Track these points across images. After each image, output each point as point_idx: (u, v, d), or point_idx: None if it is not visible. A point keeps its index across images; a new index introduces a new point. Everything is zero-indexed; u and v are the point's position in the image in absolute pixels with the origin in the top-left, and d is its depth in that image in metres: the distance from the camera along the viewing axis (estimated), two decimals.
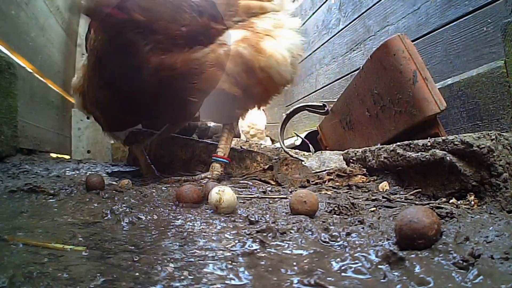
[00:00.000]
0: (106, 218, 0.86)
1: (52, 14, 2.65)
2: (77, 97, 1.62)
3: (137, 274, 0.52)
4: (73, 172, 1.67)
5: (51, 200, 1.02)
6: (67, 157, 2.78)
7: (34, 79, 2.27)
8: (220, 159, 1.53)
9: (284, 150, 2.02)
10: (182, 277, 0.52)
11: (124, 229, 0.79)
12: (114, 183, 1.37)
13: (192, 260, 0.60)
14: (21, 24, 2.12)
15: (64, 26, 2.93)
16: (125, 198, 1.04)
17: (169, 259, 0.58)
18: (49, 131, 2.51)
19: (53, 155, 2.50)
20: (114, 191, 1.12)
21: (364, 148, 1.42)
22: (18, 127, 1.86)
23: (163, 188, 1.22)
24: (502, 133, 0.96)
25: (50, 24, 2.61)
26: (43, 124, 2.37)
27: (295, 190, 1.08)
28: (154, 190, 1.17)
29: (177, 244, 0.67)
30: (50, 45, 2.62)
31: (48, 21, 2.56)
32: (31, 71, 2.25)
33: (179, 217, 0.87)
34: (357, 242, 0.67)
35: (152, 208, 0.94)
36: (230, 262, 0.58)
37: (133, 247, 0.65)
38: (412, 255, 0.56)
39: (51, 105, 2.60)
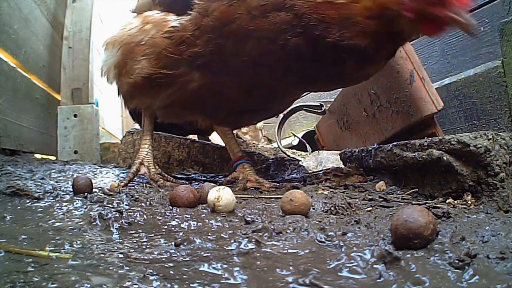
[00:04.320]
0: (94, 223, 0.80)
1: (37, 4, 2.47)
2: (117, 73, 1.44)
3: (128, 283, 0.50)
4: (59, 174, 1.57)
5: (35, 204, 0.95)
6: (53, 158, 2.62)
7: (17, 74, 2.13)
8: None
9: (281, 150, 2.02)
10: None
11: (114, 235, 0.75)
12: (103, 185, 1.30)
13: (187, 260, 0.59)
14: (3, 15, 1.97)
15: (50, 17, 2.72)
16: (115, 202, 0.98)
17: (161, 266, 0.55)
18: (34, 130, 2.35)
19: (38, 156, 2.37)
20: (103, 195, 1.06)
21: (361, 148, 1.41)
22: (0, 126, 1.76)
23: (156, 191, 1.16)
24: (499, 133, 0.95)
25: (35, 15, 2.44)
26: (27, 122, 2.22)
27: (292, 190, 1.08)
28: (146, 193, 1.11)
29: (171, 250, 0.64)
30: (35, 38, 2.43)
31: (32, 12, 2.38)
32: (14, 65, 2.10)
33: (174, 220, 0.84)
34: (353, 242, 0.66)
35: (144, 212, 0.89)
36: (225, 261, 0.58)
37: (123, 255, 0.62)
38: (408, 255, 0.55)
39: (36, 102, 2.42)
